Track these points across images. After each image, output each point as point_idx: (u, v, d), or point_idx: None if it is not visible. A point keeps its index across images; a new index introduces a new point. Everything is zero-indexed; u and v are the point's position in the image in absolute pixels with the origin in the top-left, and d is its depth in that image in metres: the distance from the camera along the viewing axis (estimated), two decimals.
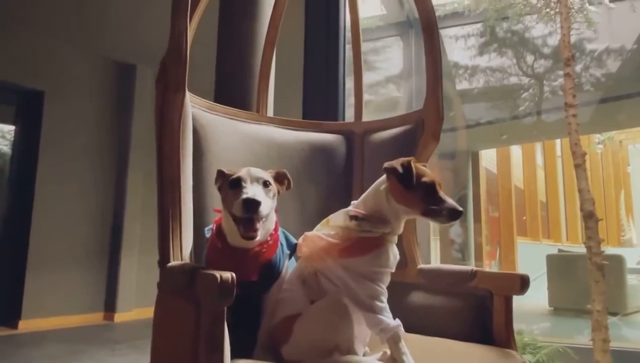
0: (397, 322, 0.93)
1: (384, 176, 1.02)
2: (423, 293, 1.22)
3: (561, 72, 4.96)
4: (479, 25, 4.28)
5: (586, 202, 2.45)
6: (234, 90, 1.77)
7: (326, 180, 1.49)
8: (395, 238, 1.00)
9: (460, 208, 0.92)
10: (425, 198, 0.94)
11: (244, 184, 0.91)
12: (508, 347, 1.03)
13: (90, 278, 4.88)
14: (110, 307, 4.91)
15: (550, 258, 6.45)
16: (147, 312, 5.06)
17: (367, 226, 0.97)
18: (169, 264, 0.94)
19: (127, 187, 5.12)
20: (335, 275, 0.96)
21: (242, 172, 0.94)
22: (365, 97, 1.62)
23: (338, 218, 1.01)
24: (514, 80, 5.11)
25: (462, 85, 5.18)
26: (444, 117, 1.36)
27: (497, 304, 1.07)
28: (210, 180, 1.23)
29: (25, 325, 4.31)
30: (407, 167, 0.95)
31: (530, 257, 8.26)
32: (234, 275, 0.70)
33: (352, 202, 1.05)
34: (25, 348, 3.56)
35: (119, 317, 4.88)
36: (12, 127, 4.86)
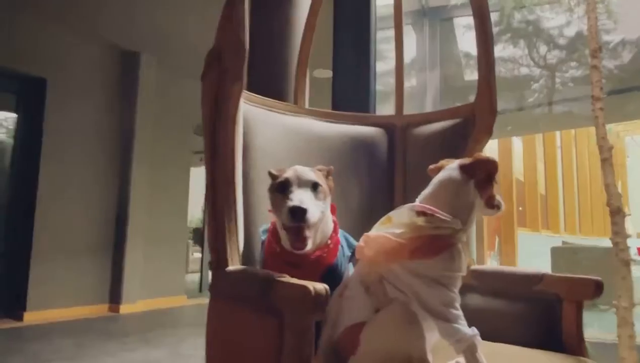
0: (474, 330, 0.87)
1: (454, 171, 0.96)
2: (479, 296, 1.17)
3: (574, 63, 4.92)
4: (494, 14, 4.21)
5: (614, 197, 2.40)
6: (268, 81, 1.69)
7: (368, 176, 1.42)
8: (465, 237, 0.94)
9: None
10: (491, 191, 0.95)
11: (290, 189, 0.85)
12: (580, 355, 0.98)
13: (95, 269, 4.82)
14: (115, 298, 4.85)
15: (554, 251, 6.45)
16: (153, 304, 5.02)
17: (438, 222, 0.90)
18: (228, 269, 0.88)
19: (132, 177, 5.03)
20: (403, 282, 0.90)
21: (289, 174, 0.88)
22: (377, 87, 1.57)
23: (402, 215, 0.95)
24: (524, 70, 5.04)
25: (472, 75, 5.11)
26: (496, 111, 1.30)
27: (566, 310, 1.02)
28: (255, 175, 1.17)
29: (30, 317, 4.25)
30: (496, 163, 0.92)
31: (530, 248, 8.29)
32: (327, 287, 0.64)
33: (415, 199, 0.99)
34: (32, 342, 3.50)
35: (124, 308, 4.82)
36: (14, 115, 4.74)
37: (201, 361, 2.74)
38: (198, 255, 7.28)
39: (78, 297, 4.64)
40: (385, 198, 1.41)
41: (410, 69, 4.76)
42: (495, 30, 4.83)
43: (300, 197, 0.82)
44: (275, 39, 1.76)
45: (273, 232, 0.92)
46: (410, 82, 4.69)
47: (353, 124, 1.47)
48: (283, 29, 1.78)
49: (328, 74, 2.69)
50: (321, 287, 0.63)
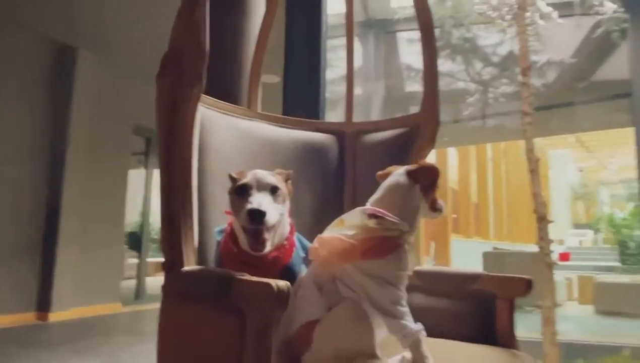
0: (419, 326, 0.93)
1: (401, 176, 1.02)
2: (422, 295, 1.24)
3: (505, 80, 5.26)
4: (435, 30, 4.42)
5: (539, 206, 2.60)
6: (220, 84, 1.70)
7: (319, 181, 1.47)
8: (412, 239, 1.01)
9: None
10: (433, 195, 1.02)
11: (250, 192, 0.87)
12: (512, 348, 1.07)
13: (21, 274, 4.51)
14: (43, 306, 4.56)
15: (486, 255, 6.84)
16: (85, 311, 4.78)
17: (387, 224, 0.96)
18: (184, 269, 0.89)
19: (65, 178, 4.77)
20: (354, 281, 0.95)
21: (249, 178, 0.90)
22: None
23: (354, 218, 0.99)
24: (461, 85, 5.33)
25: (413, 87, 5.33)
26: (440, 122, 1.39)
27: (500, 306, 1.11)
28: (210, 178, 1.18)
29: None
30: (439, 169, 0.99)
31: (463, 253, 8.74)
32: (288, 284, 0.67)
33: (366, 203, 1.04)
34: None
35: (54, 316, 4.55)
36: None
37: None
38: (133, 260, 7.00)
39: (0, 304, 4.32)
40: (336, 202, 1.46)
41: (355, 78, 4.89)
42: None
43: (259, 200, 0.84)
44: (228, 43, 1.77)
45: (230, 233, 0.93)
46: (355, 91, 4.82)
47: (305, 129, 1.51)
48: (236, 32, 1.79)
49: (275, 79, 2.72)
50: (283, 284, 0.66)
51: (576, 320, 6.06)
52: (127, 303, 5.56)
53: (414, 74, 5.13)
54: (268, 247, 0.87)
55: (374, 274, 0.94)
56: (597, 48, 4.42)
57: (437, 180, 1.02)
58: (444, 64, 4.89)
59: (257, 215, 0.83)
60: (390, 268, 0.96)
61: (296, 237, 1.02)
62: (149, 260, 6.67)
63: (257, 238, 0.85)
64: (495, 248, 7.37)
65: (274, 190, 0.90)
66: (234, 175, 0.91)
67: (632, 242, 9.22)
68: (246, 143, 1.34)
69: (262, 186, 0.88)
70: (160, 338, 0.91)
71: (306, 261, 1.03)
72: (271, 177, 0.91)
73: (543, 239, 2.57)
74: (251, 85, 1.50)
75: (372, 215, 0.98)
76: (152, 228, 6.98)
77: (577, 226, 15.22)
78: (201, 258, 1.01)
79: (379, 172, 1.10)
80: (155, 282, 7.04)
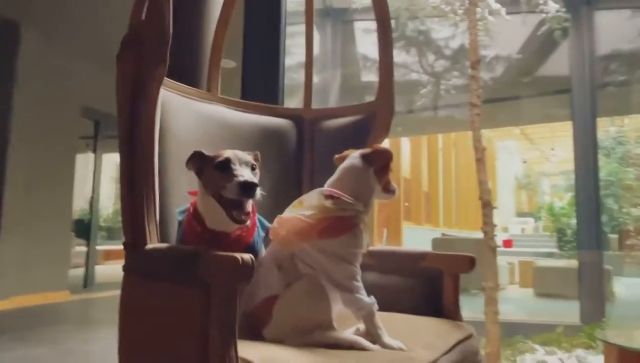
0: (372, 299, 1.00)
1: (356, 159, 1.08)
2: (375, 273, 1.31)
3: (456, 73, 5.45)
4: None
5: (484, 193, 2.75)
6: (179, 66, 1.69)
7: (277, 165, 1.50)
8: (367, 219, 1.07)
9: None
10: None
11: (233, 166, 0.90)
12: (457, 319, 1.16)
13: None
14: None
15: (435, 242, 7.11)
16: (30, 300, 4.60)
17: (344, 204, 1.02)
18: (149, 247, 0.91)
19: (7, 163, 4.54)
20: (312, 258, 1.00)
21: (229, 154, 0.93)
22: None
23: (312, 198, 1.05)
24: (414, 76, 5.48)
25: (368, 76, 5.43)
26: (394, 111, 1.46)
27: (446, 282, 1.19)
28: (169, 159, 1.19)
29: None
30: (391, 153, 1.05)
31: (414, 239, 9.04)
32: (252, 257, 0.71)
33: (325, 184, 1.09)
34: None
35: None
36: None
37: (86, 356, 2.60)
38: (81, 248, 6.77)
39: None
40: (294, 185, 1.50)
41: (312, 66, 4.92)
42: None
43: (247, 173, 0.88)
44: (187, 24, 1.76)
45: (194, 213, 0.96)
46: (313, 79, 4.85)
47: (264, 114, 1.54)
48: (195, 14, 1.78)
49: (231, 64, 2.71)
50: (247, 257, 0.70)
51: (516, 302, 6.44)
52: (75, 292, 5.39)
53: (370, 64, 5.22)
54: (248, 220, 0.90)
55: (330, 252, 1.00)
56: (541, 45, 4.66)
57: (389, 163, 1.09)
58: (398, 55, 5.01)
59: (250, 187, 0.86)
60: (346, 246, 1.01)
61: (257, 217, 1.06)
62: (98, 248, 6.47)
63: (242, 210, 0.87)
64: (443, 234, 7.67)
65: (253, 167, 0.93)
66: (205, 153, 0.94)
67: (569, 230, 9.82)
68: (206, 126, 1.35)
69: (243, 162, 0.92)
70: (122, 318, 0.92)
71: (266, 240, 1.08)
72: (248, 156, 0.95)
73: (487, 224, 2.72)
74: (211, 68, 1.51)
75: (328, 196, 1.03)
76: (100, 216, 6.76)
77: (520, 214, 16.04)
78: (163, 239, 1.03)
79: (336, 156, 1.15)
80: (105, 270, 6.86)
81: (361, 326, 1.03)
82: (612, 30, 4.53)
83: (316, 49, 4.48)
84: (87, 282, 5.81)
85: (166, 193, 1.15)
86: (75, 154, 5.58)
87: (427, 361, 0.90)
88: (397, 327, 1.06)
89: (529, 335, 3.30)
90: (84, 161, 6.15)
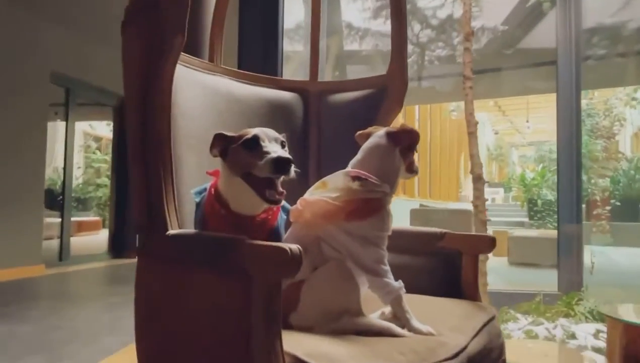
0: (400, 283, 0.97)
1: (382, 138, 1.03)
2: (391, 253, 1.28)
3: (441, 44, 5.39)
4: None
5: (476, 166, 2.76)
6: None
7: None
8: (391, 200, 1.03)
9: None
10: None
11: (263, 144, 0.84)
12: (476, 300, 1.15)
13: None
14: None
15: (413, 212, 7.19)
16: (4, 275, 4.43)
17: (371, 186, 0.97)
18: (171, 232, 0.85)
19: None
20: (338, 242, 0.96)
21: (257, 131, 0.87)
22: None
23: (338, 180, 1.00)
24: None
25: (352, 46, 5.31)
26: (407, 84, 1.40)
27: (465, 262, 1.18)
28: (177, 135, 1.11)
29: None
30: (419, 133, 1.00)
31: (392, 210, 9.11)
32: (300, 248, 0.66)
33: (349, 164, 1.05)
34: None
35: None
36: None
37: (74, 332, 2.53)
38: (52, 220, 6.55)
39: None
40: (300, 162, 1.44)
41: (294, 34, 4.78)
42: (377, 4, 5.05)
43: (278, 150, 0.82)
44: None
45: (215, 195, 0.90)
46: (293, 47, 4.71)
47: (268, 86, 1.46)
48: None
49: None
50: (296, 247, 0.65)
51: (493, 271, 6.61)
52: (51, 265, 5.24)
53: (354, 32, 5.10)
54: (283, 200, 0.85)
55: (357, 235, 0.96)
56: (527, 16, 4.64)
57: (416, 143, 1.04)
58: (384, 24, 4.90)
59: (284, 163, 0.79)
60: (373, 229, 0.98)
61: None
62: (73, 219, 6.28)
63: (275, 188, 0.81)
64: (421, 205, 7.76)
65: (283, 144, 0.87)
66: (228, 134, 0.87)
67: (539, 200, 10.12)
68: (212, 100, 1.28)
69: (272, 139, 0.85)
70: (140, 305, 0.87)
71: (286, 223, 1.03)
72: (276, 133, 0.88)
73: (478, 198, 2.74)
74: (213, 37, 1.41)
75: (355, 178, 0.98)
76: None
77: (491, 185, 16.41)
78: (180, 220, 0.97)
79: (359, 132, 1.10)
80: (80, 242, 6.68)
81: (386, 309, 1.00)
82: (596, 2, 4.54)
83: (301, 17, 4.34)
84: (63, 255, 5.65)
85: (176, 172, 1.08)
86: (46, 122, 5.32)
87: (460, 346, 0.88)
88: (420, 309, 1.04)
89: (508, 304, 3.39)
90: (53, 130, 5.88)
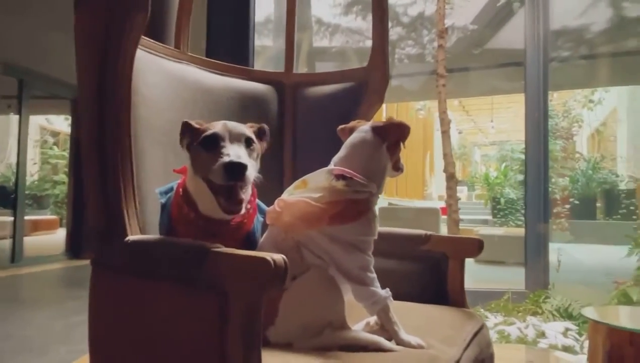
0: (387, 292, 0.89)
1: (367, 133, 0.94)
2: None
3: (410, 42, 5.38)
4: None
5: (449, 165, 2.73)
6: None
7: None
8: (377, 201, 0.95)
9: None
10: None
11: (222, 143, 0.74)
12: (463, 307, 1.09)
13: None
14: None
15: (381, 210, 7.20)
16: None
17: (357, 186, 0.89)
18: (130, 238, 0.73)
19: None
20: (320, 247, 0.88)
21: (219, 128, 0.76)
22: None
23: (319, 179, 0.91)
24: (369, 43, 5.34)
25: (321, 42, 5.22)
26: (389, 79, 1.33)
27: (451, 267, 1.11)
28: (140, 129, 1.00)
29: None
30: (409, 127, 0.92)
31: None
32: (285, 258, 0.56)
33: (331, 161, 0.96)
34: None
35: None
36: None
37: (26, 342, 2.34)
38: (3, 218, 6.17)
39: None
40: (275, 159, 1.35)
41: (263, 28, 4.65)
42: (347, 0, 4.97)
43: (236, 152, 0.71)
44: None
45: (184, 196, 0.79)
46: (261, 42, 4.59)
47: (240, 77, 1.36)
48: None
49: None
50: (280, 258, 0.56)
51: None
52: (2, 267, 4.92)
53: (324, 28, 5.01)
54: (244, 208, 0.74)
55: (341, 240, 0.88)
56: (496, 15, 4.67)
57: (405, 139, 0.96)
58: (354, 21, 4.84)
59: (237, 169, 0.69)
60: (359, 233, 0.89)
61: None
62: (26, 218, 5.94)
63: (233, 198, 0.71)
64: (390, 204, 7.78)
65: (248, 142, 0.77)
66: (194, 124, 0.76)
67: (502, 199, 10.34)
68: (177, 89, 1.16)
69: (235, 137, 0.75)
70: (94, 322, 0.76)
71: (263, 225, 0.93)
72: (244, 127, 0.78)
73: (451, 197, 2.71)
74: (180, 22, 1.29)
75: (339, 176, 0.89)
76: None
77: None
78: (142, 223, 0.85)
79: (342, 126, 1.01)
80: (35, 242, 6.33)
81: (371, 319, 0.92)
82: (562, 5, 4.62)
83: (270, 11, 4.22)
84: (15, 256, 5.32)
85: (138, 168, 0.96)
86: None
87: (452, 360, 0.81)
88: (407, 318, 0.97)
89: (476, 302, 3.39)
90: (5, 124, 5.54)
